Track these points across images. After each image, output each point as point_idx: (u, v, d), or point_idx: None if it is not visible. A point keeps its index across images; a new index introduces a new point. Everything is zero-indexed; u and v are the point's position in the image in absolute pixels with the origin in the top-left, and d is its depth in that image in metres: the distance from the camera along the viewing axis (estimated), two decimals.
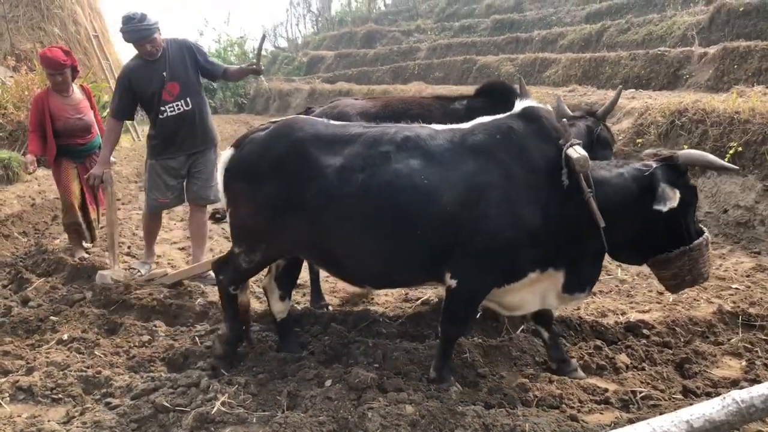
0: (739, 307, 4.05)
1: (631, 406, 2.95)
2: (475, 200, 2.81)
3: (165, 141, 5.03)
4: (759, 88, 9.02)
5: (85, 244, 5.91)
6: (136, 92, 4.90)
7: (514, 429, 2.59)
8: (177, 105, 4.94)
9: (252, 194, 3.09)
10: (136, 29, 4.70)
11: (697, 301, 4.31)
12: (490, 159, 2.87)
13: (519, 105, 3.07)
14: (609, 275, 5.02)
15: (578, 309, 4.17)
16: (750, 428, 2.58)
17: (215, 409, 2.85)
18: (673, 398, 3.00)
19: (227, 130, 18.35)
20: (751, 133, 6.31)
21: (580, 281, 3.06)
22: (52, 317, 4.16)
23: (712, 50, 11.56)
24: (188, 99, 4.95)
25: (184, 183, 5.18)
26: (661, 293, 4.48)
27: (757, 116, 6.41)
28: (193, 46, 5.08)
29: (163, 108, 4.91)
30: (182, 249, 6.28)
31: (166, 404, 2.94)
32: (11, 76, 11.47)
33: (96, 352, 3.62)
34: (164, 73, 4.88)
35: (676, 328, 3.78)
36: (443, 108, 4.03)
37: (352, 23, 30.97)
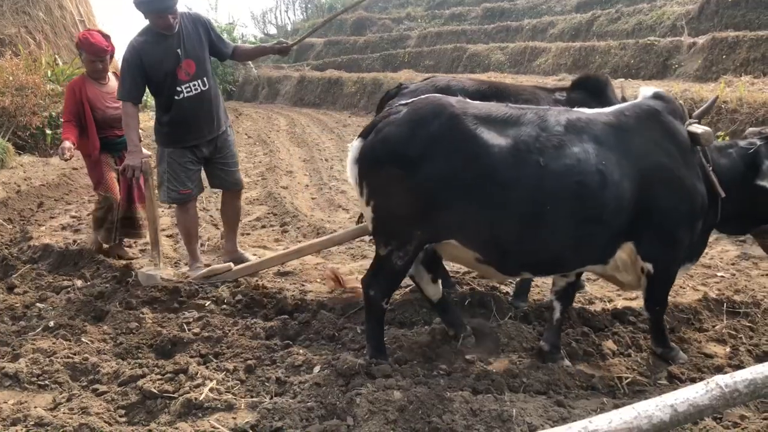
0: (723, 294, 4.10)
1: (617, 391, 2.98)
2: (650, 181, 2.91)
3: (182, 126, 4.55)
4: (747, 78, 9.09)
5: (127, 246, 5.51)
6: (148, 72, 4.39)
7: (501, 414, 2.61)
8: (194, 85, 4.49)
9: (405, 178, 2.85)
10: None
11: (683, 288, 4.35)
12: (649, 140, 2.98)
13: (648, 90, 3.23)
14: None
15: None
16: (733, 412, 2.61)
17: (203, 395, 2.85)
18: (658, 384, 3.03)
19: None
20: (738, 123, 6.37)
21: (693, 252, 3.28)
22: (38, 304, 4.14)
23: (701, 40, 11.62)
24: (205, 78, 4.53)
25: (202, 169, 4.81)
26: None
27: (744, 106, 6.47)
28: (207, 22, 4.67)
29: (179, 89, 4.45)
30: (170, 236, 6.24)
31: (153, 390, 2.94)
32: None
33: (83, 339, 3.60)
34: (179, 51, 4.41)
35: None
36: (548, 97, 4.01)
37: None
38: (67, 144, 4.67)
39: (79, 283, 4.55)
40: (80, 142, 4.96)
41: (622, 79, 11.39)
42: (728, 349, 3.39)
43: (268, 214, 7.16)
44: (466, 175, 2.80)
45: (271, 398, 2.90)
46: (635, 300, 4.15)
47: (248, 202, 7.93)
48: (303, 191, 8.66)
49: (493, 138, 2.82)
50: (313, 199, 8.19)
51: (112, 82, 5.09)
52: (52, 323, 3.81)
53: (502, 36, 19.59)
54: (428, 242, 2.99)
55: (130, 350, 3.48)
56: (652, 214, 2.93)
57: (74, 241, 5.63)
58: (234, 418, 2.74)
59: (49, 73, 11.74)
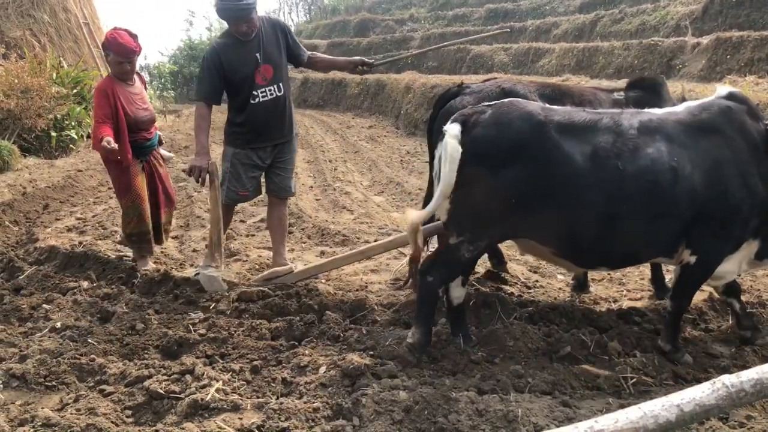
0: None
1: (622, 391, 2.97)
2: (717, 176, 3.03)
3: (253, 130, 4.56)
4: (751, 78, 9.07)
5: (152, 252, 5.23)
6: (226, 74, 4.40)
7: (507, 415, 2.61)
8: (270, 90, 4.51)
9: (490, 179, 2.97)
10: (236, 7, 4.24)
11: None
12: (720, 137, 3.08)
13: (723, 90, 3.31)
14: None
15: (571, 297, 4.20)
16: (739, 412, 2.61)
17: (209, 396, 2.86)
18: (664, 384, 3.03)
19: (221, 119, 18.27)
20: None
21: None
22: (44, 305, 4.16)
23: (705, 40, 11.60)
24: (281, 84, 4.54)
25: (263, 174, 4.78)
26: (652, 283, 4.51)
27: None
28: (286, 27, 4.69)
29: (255, 93, 4.46)
30: (174, 238, 6.26)
31: (160, 391, 2.95)
32: (0, 65, 11.35)
33: (89, 340, 3.61)
34: (257, 55, 4.43)
35: (668, 316, 3.81)
36: (608, 98, 4.12)
37: (346, 12, 30.79)
38: (107, 138, 4.43)
39: (85, 284, 4.56)
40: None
41: (626, 80, 11.38)
42: (733, 349, 3.38)
43: None
44: (548, 180, 2.95)
45: (277, 399, 2.91)
46: (640, 301, 4.15)
47: (252, 203, 7.94)
48: (307, 192, 8.68)
49: (575, 145, 2.98)
50: (317, 200, 8.20)
51: (138, 84, 4.98)
52: (58, 324, 3.83)
53: (506, 37, 19.58)
54: (502, 239, 3.16)
55: (136, 351, 3.50)
56: (711, 210, 3.04)
57: (80, 243, 5.65)
58: (240, 419, 2.75)
59: (54, 75, 11.78)
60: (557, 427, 2.58)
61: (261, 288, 4.23)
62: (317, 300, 4.06)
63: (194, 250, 5.76)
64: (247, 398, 2.92)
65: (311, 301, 4.04)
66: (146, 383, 3.03)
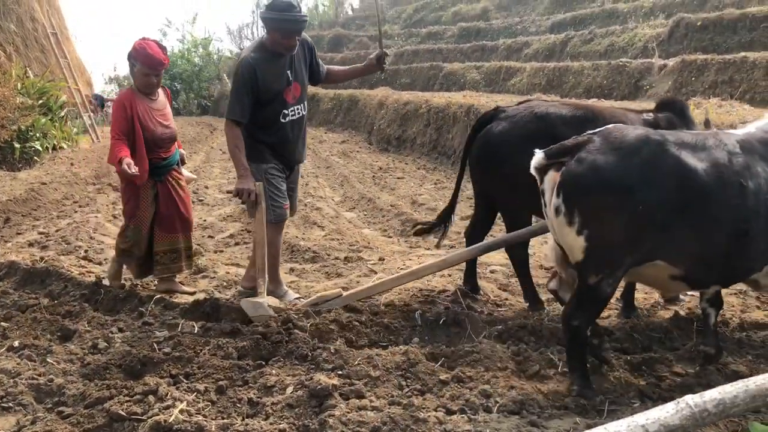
0: (693, 313, 4.16)
1: (589, 411, 2.98)
2: None
3: (281, 150, 4.42)
4: (715, 100, 9.31)
5: (179, 276, 4.99)
6: (260, 90, 4.18)
7: None
8: (297, 109, 4.38)
9: (622, 205, 2.94)
10: (295, 19, 4.06)
11: (655, 308, 4.40)
12: None
13: None
14: None
15: (540, 315, 4.21)
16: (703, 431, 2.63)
17: (173, 417, 2.79)
18: (630, 403, 3.05)
19: (190, 132, 18.13)
20: None
21: None
22: (2, 323, 4.03)
23: (671, 62, 11.90)
24: (305, 103, 4.43)
25: None
26: (619, 300, 4.56)
27: (713, 128, 6.59)
28: (312, 45, 4.56)
29: (285, 111, 4.31)
30: None
31: (121, 413, 2.87)
32: None
33: (48, 360, 3.51)
34: (289, 72, 4.28)
35: (634, 334, 3.86)
36: (638, 118, 4.19)
37: (319, 27, 30.89)
38: (127, 159, 4.26)
39: (45, 301, 4.43)
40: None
41: (595, 100, 11.60)
42: (697, 368, 3.43)
43: (242, 230, 7.11)
44: (677, 198, 2.97)
45: (243, 420, 2.85)
46: (608, 319, 4.19)
47: (221, 218, 7.87)
48: None
49: (697, 163, 3.01)
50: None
51: (162, 98, 4.71)
52: (16, 343, 3.71)
53: (478, 55, 19.83)
54: (634, 266, 3.07)
55: (97, 371, 3.39)
56: None
57: (41, 258, 5.50)
58: None
59: (19, 85, 11.57)
60: None
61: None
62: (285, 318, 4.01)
63: None
64: (212, 419, 2.85)
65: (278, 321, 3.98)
66: (107, 404, 2.94)
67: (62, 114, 13.20)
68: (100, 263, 5.65)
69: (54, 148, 12.01)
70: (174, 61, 27.90)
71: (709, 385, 3.04)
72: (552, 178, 3.08)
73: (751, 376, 2.37)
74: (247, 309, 4.04)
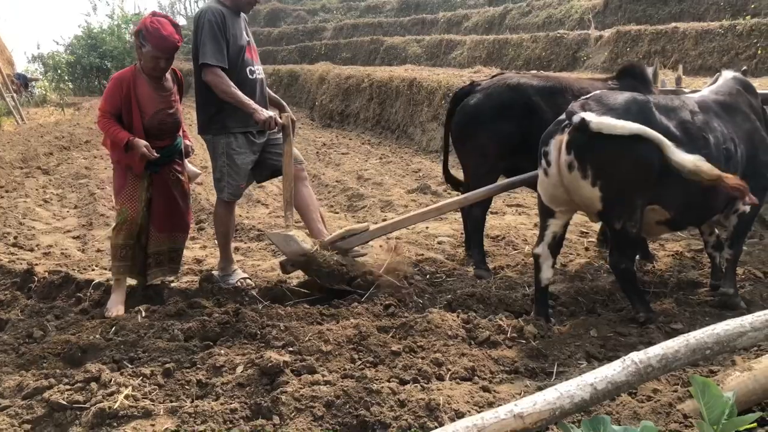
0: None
1: (540, 374, 3.04)
2: (750, 141, 3.73)
3: None
4: (649, 69, 9.56)
5: (168, 278, 4.48)
6: (229, 40, 4.04)
7: (429, 403, 2.61)
8: (259, 70, 4.27)
9: (625, 156, 3.29)
10: None
11: (599, 272, 4.53)
12: (743, 112, 3.81)
13: (728, 73, 4.08)
14: (515, 250, 5.17)
15: (488, 283, 4.27)
16: (647, 386, 2.73)
17: (118, 404, 2.68)
18: (578, 364, 3.13)
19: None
20: None
21: None
22: None
23: (606, 33, 12.16)
24: (261, 68, 4.36)
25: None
26: (564, 266, 4.67)
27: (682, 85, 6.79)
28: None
29: (251, 68, 4.19)
30: (76, 238, 5.89)
31: (62, 402, 2.74)
32: None
33: None
34: (245, 32, 4.24)
35: (579, 298, 3.96)
36: (604, 86, 4.45)
37: None
38: (141, 142, 3.89)
39: None
40: (115, 146, 4.03)
41: (534, 71, 11.75)
42: (639, 327, 3.55)
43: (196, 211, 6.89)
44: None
45: (192, 401, 2.77)
46: (554, 285, 4.27)
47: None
48: None
49: (672, 121, 3.47)
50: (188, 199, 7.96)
51: (168, 81, 4.17)
52: None
53: (418, 29, 19.80)
54: (643, 208, 3.45)
55: (34, 360, 3.23)
56: (753, 168, 3.72)
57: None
58: (152, 425, 2.60)
59: None
60: (478, 412, 2.60)
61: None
62: (232, 296, 3.92)
63: (98, 250, 5.44)
64: (160, 403, 2.76)
65: (226, 297, 3.89)
66: (46, 394, 2.80)
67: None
68: (31, 249, 5.38)
69: None
70: (103, 38, 26.70)
71: (651, 343, 3.15)
72: (558, 140, 3.40)
73: (689, 332, 2.45)
74: (278, 242, 3.92)
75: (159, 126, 4.08)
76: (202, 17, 4.06)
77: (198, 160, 9.65)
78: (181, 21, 36.41)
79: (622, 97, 3.48)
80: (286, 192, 4.13)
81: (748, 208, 3.78)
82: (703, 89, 3.91)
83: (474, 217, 4.72)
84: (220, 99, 4.04)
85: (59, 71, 27.40)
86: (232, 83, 4.00)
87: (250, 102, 4.00)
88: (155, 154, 3.94)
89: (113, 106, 3.98)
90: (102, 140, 4.32)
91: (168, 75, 4.15)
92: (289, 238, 3.84)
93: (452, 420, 2.52)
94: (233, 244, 5.53)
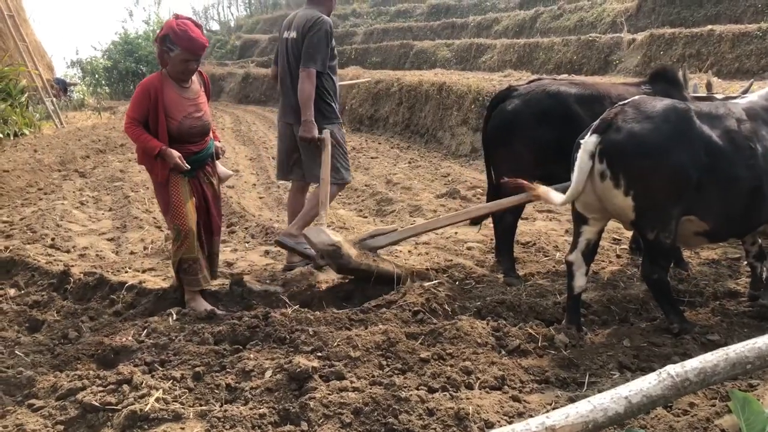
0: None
1: (570, 384, 2.99)
2: None
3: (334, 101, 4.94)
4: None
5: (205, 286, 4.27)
6: (332, 47, 4.79)
7: (458, 412, 2.58)
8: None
9: (660, 166, 3.25)
10: None
11: (631, 280, 4.44)
12: None
13: None
14: (546, 257, 5.11)
15: (519, 290, 4.22)
16: (683, 400, 2.66)
17: (149, 406, 2.72)
18: (610, 375, 3.07)
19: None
20: None
21: None
22: None
23: (639, 36, 11.96)
24: None
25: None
26: (596, 273, 4.59)
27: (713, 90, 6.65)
28: None
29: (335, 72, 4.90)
30: (111, 240, 6.00)
31: (94, 403, 2.78)
32: None
33: (17, 352, 3.39)
34: None
35: (612, 306, 3.88)
36: (638, 91, 4.42)
37: (287, 6, 30.43)
38: (174, 152, 3.89)
39: (12, 292, 4.30)
40: (145, 157, 4.01)
41: (566, 75, 11.61)
42: (674, 339, 3.46)
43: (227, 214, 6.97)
44: (706, 160, 3.29)
45: (221, 406, 2.79)
46: (585, 293, 4.20)
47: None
48: (250, 191, 8.49)
49: (716, 128, 3.38)
50: (260, 198, 8.03)
51: (195, 85, 4.13)
52: None
53: (448, 33, 19.75)
54: (678, 218, 3.38)
55: (68, 361, 3.30)
56: None
57: (6, 248, 5.32)
58: (182, 429, 2.63)
59: None
60: (508, 423, 2.57)
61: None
62: (262, 300, 3.95)
63: (131, 253, 5.53)
64: (190, 407, 2.79)
65: (256, 301, 3.92)
66: (79, 396, 2.85)
67: (23, 99, 12.79)
68: (68, 251, 5.49)
69: (15, 135, 11.65)
70: (139, 44, 27.24)
71: (686, 355, 3.09)
72: (590, 147, 3.33)
73: (725, 344, 2.38)
74: (310, 235, 4.13)
75: (189, 130, 4.04)
76: (321, 26, 4.63)
77: (230, 163, 9.78)
78: (214, 26, 36.99)
79: (661, 104, 3.40)
80: (323, 195, 4.49)
81: None
82: (753, 94, 3.76)
83: (506, 223, 4.67)
84: (331, 92, 4.81)
85: (97, 76, 28.07)
86: (314, 92, 4.62)
87: (311, 114, 4.60)
88: (187, 166, 3.96)
89: (141, 113, 3.95)
90: (138, 160, 4.22)
91: (195, 77, 4.14)
92: (319, 230, 4.11)
93: (482, 430, 2.49)
94: (264, 248, 5.58)
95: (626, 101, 3.50)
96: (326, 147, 4.55)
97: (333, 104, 4.85)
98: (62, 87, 19.67)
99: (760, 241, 3.97)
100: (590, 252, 3.62)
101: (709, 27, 10.78)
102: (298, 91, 4.61)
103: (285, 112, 4.92)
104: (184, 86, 4.04)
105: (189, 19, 4.03)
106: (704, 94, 5.14)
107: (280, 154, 5.13)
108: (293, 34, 4.75)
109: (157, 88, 3.94)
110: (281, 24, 5.03)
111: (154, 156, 3.92)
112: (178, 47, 3.87)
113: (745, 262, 4.20)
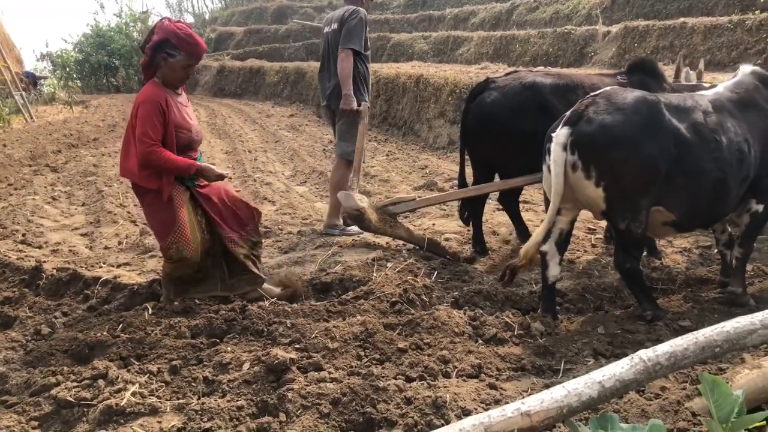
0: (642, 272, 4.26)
1: (546, 371, 3.03)
2: (766, 140, 3.62)
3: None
4: (673, 64, 9.49)
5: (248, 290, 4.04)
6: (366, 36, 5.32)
7: (436, 401, 2.60)
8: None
9: (630, 158, 3.28)
10: None
11: (606, 269, 4.50)
12: (760, 109, 3.67)
13: (746, 68, 3.88)
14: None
15: (495, 279, 4.25)
16: (655, 384, 2.71)
17: (125, 401, 2.69)
18: (585, 361, 3.11)
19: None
20: None
21: None
22: None
23: (614, 29, 12.07)
24: None
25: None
26: (572, 263, 4.65)
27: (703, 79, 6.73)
28: None
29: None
30: (84, 235, 5.91)
31: (69, 399, 2.76)
32: None
33: None
34: None
35: (586, 295, 3.94)
36: (613, 82, 4.51)
37: None
38: (209, 165, 3.74)
39: None
40: (146, 174, 3.66)
41: (542, 67, 11.68)
42: (647, 325, 3.52)
43: None
44: (675, 152, 3.33)
45: (199, 399, 2.78)
46: (561, 282, 4.25)
47: None
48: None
49: (683, 121, 3.41)
50: (236, 191, 7.96)
51: (184, 94, 3.94)
52: None
53: (425, 25, 19.73)
54: (648, 209, 3.41)
55: (42, 357, 3.25)
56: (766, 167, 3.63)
57: None
58: (159, 422, 2.61)
59: None
60: (485, 410, 2.59)
61: None
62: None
63: (106, 247, 5.46)
64: (167, 400, 2.77)
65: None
66: (53, 391, 2.82)
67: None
68: (39, 247, 5.40)
69: None
70: (111, 37, 26.76)
71: (659, 341, 3.13)
72: (561, 138, 3.37)
73: (696, 329, 2.43)
74: (341, 198, 4.69)
75: (188, 141, 3.81)
76: (357, 14, 5.25)
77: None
78: (189, 18, 36.43)
79: (631, 96, 3.43)
80: (356, 162, 5.07)
81: (761, 208, 3.71)
82: (719, 86, 3.86)
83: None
84: (365, 75, 5.48)
85: (68, 69, 27.47)
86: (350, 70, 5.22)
87: (351, 89, 5.27)
88: (227, 173, 3.91)
89: (159, 131, 3.60)
90: (165, 192, 3.71)
91: None
92: (349, 195, 4.68)
93: (459, 417, 2.51)
94: None
95: (597, 92, 3.53)
96: (363, 118, 5.18)
97: (363, 87, 5.43)
98: (32, 80, 19.27)
99: (729, 229, 4.04)
100: (563, 241, 3.66)
101: (682, 19, 10.93)
102: (338, 69, 5.20)
103: (328, 95, 5.53)
104: (177, 93, 3.83)
105: (182, 22, 3.82)
106: (694, 83, 5.19)
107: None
108: (334, 26, 5.34)
109: (166, 99, 3.66)
110: (322, 22, 5.81)
111: (189, 176, 3.65)
112: (180, 52, 3.66)
113: (716, 250, 4.28)
